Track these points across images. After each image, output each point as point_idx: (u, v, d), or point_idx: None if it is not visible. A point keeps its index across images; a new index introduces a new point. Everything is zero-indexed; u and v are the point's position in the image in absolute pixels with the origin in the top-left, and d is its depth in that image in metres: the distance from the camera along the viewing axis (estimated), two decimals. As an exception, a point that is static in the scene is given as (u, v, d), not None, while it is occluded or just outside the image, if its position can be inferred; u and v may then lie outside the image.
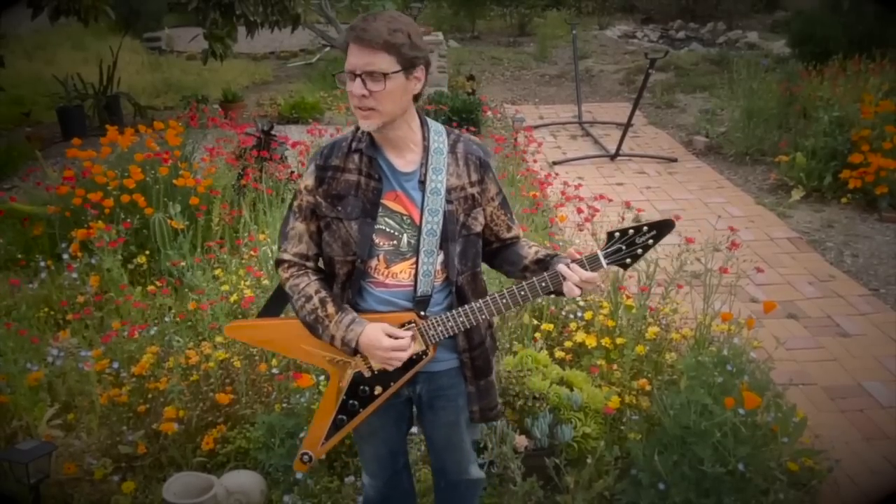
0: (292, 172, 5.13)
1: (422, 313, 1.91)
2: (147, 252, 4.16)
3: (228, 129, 5.72)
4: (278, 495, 2.74)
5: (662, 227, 1.87)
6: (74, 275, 3.83)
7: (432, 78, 8.65)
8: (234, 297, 3.62)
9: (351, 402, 2.00)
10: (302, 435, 2.79)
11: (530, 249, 2.03)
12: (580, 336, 3.30)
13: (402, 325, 1.91)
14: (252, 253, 4.05)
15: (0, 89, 6.82)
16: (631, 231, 1.85)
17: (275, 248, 3.70)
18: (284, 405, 2.97)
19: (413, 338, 1.90)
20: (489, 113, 8.05)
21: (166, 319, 3.52)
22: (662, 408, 2.76)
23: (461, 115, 7.35)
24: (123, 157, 4.76)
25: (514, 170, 5.72)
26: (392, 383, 1.98)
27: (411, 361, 1.93)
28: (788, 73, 7.88)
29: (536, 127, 7.94)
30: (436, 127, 1.96)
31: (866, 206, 5.92)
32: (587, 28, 13.41)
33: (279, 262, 1.99)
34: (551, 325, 3.46)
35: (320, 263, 2.02)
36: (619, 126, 7.74)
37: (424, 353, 1.94)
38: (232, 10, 6.87)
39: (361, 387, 1.98)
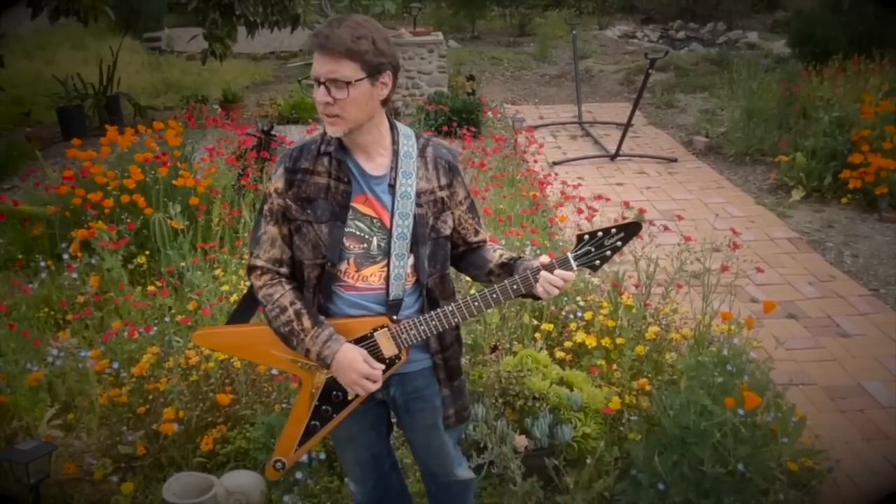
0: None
1: (394, 317, 1.91)
2: (147, 252, 4.16)
3: (228, 129, 5.72)
4: (278, 495, 2.74)
5: (630, 229, 1.90)
6: (74, 275, 3.83)
7: (432, 78, 8.68)
8: (234, 298, 3.62)
9: (324, 407, 1.98)
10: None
11: (495, 253, 2.04)
12: (580, 336, 3.30)
13: (374, 329, 1.91)
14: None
15: (0, 89, 6.82)
16: (599, 233, 1.88)
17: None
18: (284, 405, 2.97)
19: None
20: (489, 113, 8.05)
21: (166, 319, 3.52)
22: (662, 408, 2.75)
23: (461, 115, 7.34)
24: (123, 158, 4.76)
25: (514, 170, 5.72)
26: None
27: (385, 365, 1.93)
28: (788, 73, 7.87)
29: (536, 127, 7.94)
30: (405, 131, 1.96)
31: (866, 206, 5.92)
32: (587, 28, 13.41)
33: (251, 269, 1.96)
34: (551, 325, 3.46)
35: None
36: (619, 126, 7.74)
37: (398, 356, 1.94)
38: (232, 10, 6.88)
39: (335, 392, 1.97)
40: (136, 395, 3.07)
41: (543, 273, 1.86)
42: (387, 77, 1.82)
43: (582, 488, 2.69)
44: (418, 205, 1.90)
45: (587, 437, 2.88)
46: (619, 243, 1.88)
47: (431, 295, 1.98)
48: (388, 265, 1.89)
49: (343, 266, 1.90)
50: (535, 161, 6.21)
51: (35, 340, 3.32)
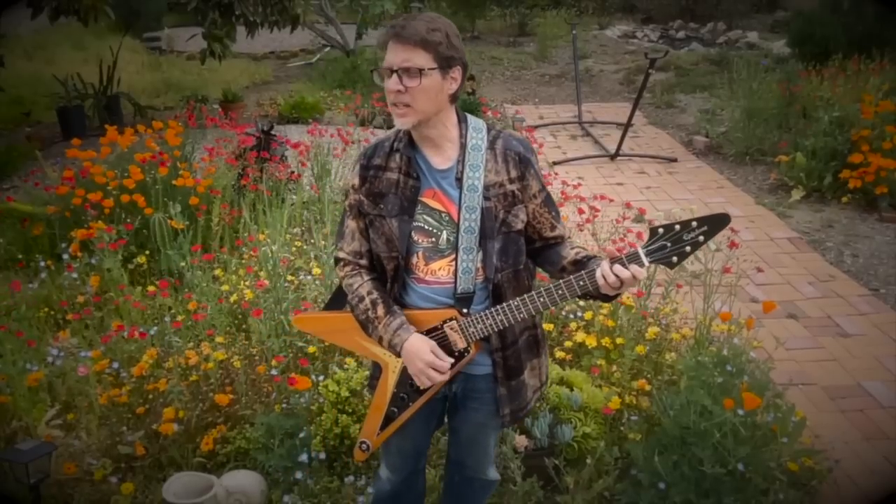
0: (292, 172, 5.13)
1: (463, 311, 1.92)
2: (147, 252, 4.16)
3: (228, 129, 5.72)
4: (278, 495, 2.74)
5: (714, 222, 1.74)
6: (74, 275, 3.83)
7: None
8: (234, 297, 3.62)
9: (401, 394, 2.03)
10: (303, 435, 2.80)
11: (571, 251, 1.99)
12: (580, 336, 3.30)
13: (443, 322, 1.92)
14: (252, 253, 4.05)
15: (0, 89, 6.82)
16: (677, 227, 1.74)
17: (275, 248, 3.71)
18: (284, 406, 2.97)
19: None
20: (489, 113, 8.04)
21: (166, 319, 3.52)
22: (662, 408, 2.76)
23: (461, 115, 7.33)
24: (123, 157, 4.76)
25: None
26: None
27: (455, 358, 1.94)
28: (788, 73, 7.88)
29: (536, 127, 7.94)
30: (475, 124, 1.96)
31: (866, 206, 5.92)
32: (587, 28, 13.41)
33: (336, 261, 2.06)
34: (551, 325, 3.45)
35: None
36: (619, 126, 7.74)
37: (467, 350, 1.94)
38: (231, 10, 6.87)
39: (410, 381, 2.00)
40: (135, 396, 3.07)
41: (615, 268, 1.76)
42: (456, 72, 1.86)
43: (582, 488, 2.69)
44: (486, 198, 1.88)
45: (587, 437, 2.88)
46: (701, 238, 1.73)
47: (500, 291, 1.94)
48: (455, 259, 1.90)
49: (413, 259, 1.94)
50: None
51: (30, 340, 3.31)
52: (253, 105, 8.76)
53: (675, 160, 7.24)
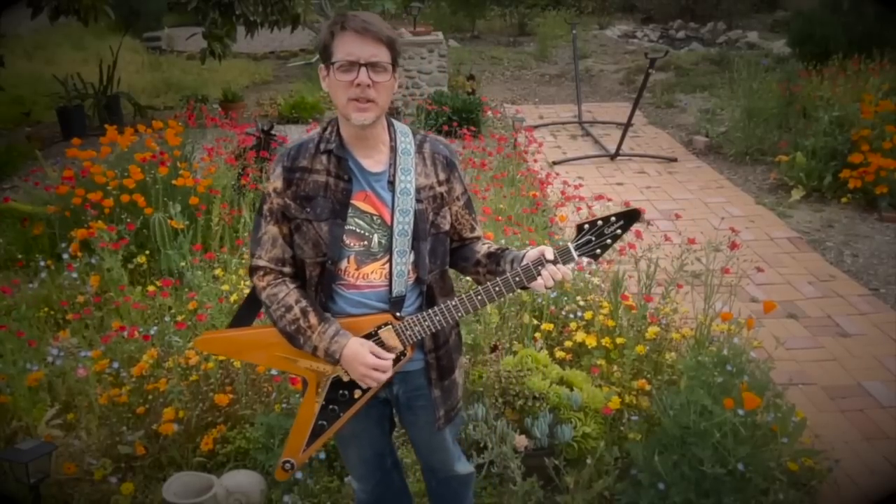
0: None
1: (397, 314, 1.91)
2: (147, 252, 4.16)
3: (228, 128, 5.72)
4: (278, 495, 2.74)
5: (629, 217, 1.89)
6: (74, 275, 3.83)
7: (433, 78, 8.67)
8: (234, 297, 3.62)
9: (331, 406, 1.99)
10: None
11: (483, 245, 2.06)
12: (580, 336, 3.30)
13: (378, 327, 1.90)
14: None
15: (0, 89, 6.82)
16: (599, 222, 1.87)
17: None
18: (284, 406, 2.97)
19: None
20: (489, 113, 8.04)
21: (166, 319, 3.52)
22: (662, 408, 2.75)
23: (461, 114, 7.34)
24: (123, 157, 4.76)
25: (514, 170, 5.72)
26: (370, 386, 1.97)
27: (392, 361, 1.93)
28: (788, 73, 7.89)
29: (536, 127, 7.94)
30: (402, 128, 1.96)
31: (866, 206, 5.92)
32: (587, 28, 13.42)
33: (254, 270, 1.95)
34: (551, 325, 3.46)
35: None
36: (619, 126, 7.75)
37: (403, 353, 1.94)
38: (231, 10, 6.87)
39: (341, 391, 1.97)
40: (135, 396, 3.07)
41: (546, 264, 1.86)
42: (397, 72, 1.87)
43: (582, 488, 2.69)
44: (418, 200, 1.90)
45: (587, 437, 2.88)
46: (618, 231, 1.88)
47: (431, 292, 1.98)
48: (390, 262, 1.89)
49: (343, 264, 1.90)
50: (535, 161, 6.21)
51: (30, 340, 3.31)
52: (253, 105, 8.76)
53: (675, 160, 7.24)
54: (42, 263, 3.93)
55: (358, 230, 1.88)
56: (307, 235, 1.88)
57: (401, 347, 1.92)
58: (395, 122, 1.97)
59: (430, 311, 1.90)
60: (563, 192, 4.77)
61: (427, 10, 13.43)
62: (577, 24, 10.41)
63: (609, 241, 1.89)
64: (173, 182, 4.52)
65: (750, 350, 3.03)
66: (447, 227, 1.99)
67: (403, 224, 1.87)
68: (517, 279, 1.87)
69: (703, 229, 5.32)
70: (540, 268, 1.86)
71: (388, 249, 1.89)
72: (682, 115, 8.86)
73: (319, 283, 1.92)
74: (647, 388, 3.08)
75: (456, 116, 7.30)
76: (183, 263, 3.96)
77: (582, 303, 3.57)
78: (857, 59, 7.49)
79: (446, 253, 2.02)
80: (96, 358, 3.12)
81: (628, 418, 3.00)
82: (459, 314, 1.91)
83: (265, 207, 1.92)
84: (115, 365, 3.14)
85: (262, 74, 10.76)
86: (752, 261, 4.61)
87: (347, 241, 1.88)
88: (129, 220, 4.19)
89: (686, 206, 6.01)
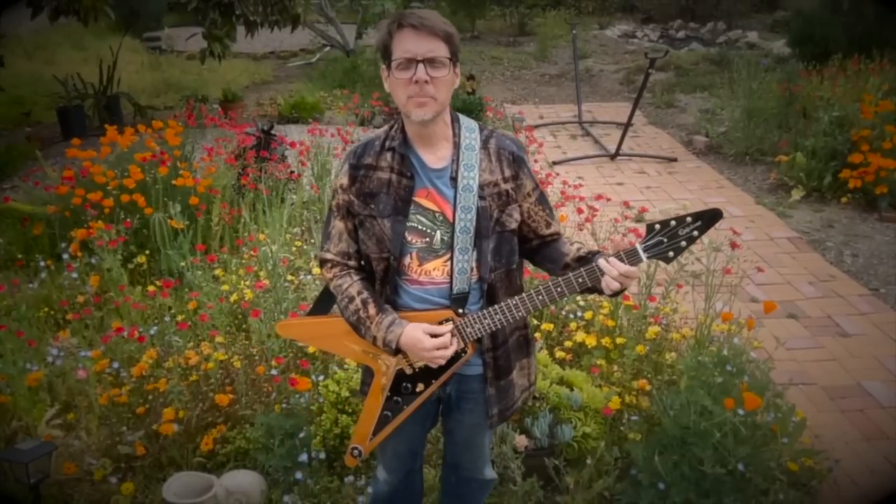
0: (292, 172, 5.13)
1: (459, 311, 1.91)
2: (147, 252, 4.16)
3: (228, 128, 5.72)
4: (278, 495, 2.74)
5: (708, 218, 1.77)
6: (74, 275, 3.83)
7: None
8: (234, 297, 3.62)
9: (395, 398, 2.01)
10: (302, 435, 2.79)
11: (572, 247, 1.99)
12: (580, 336, 3.30)
13: (440, 322, 1.91)
14: (252, 253, 4.05)
15: (0, 89, 6.82)
16: (672, 222, 1.77)
17: (275, 248, 3.71)
18: (284, 406, 2.97)
19: (452, 334, 1.90)
20: (490, 113, 8.04)
21: (166, 319, 3.52)
22: (662, 408, 2.75)
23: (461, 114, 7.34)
24: (123, 157, 4.76)
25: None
26: (433, 380, 1.98)
27: (451, 359, 1.93)
28: (788, 73, 7.89)
29: (536, 126, 7.94)
30: (468, 123, 1.95)
31: (866, 206, 5.92)
32: (587, 28, 13.41)
33: (323, 262, 2.01)
34: (551, 325, 3.46)
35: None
36: (619, 126, 7.74)
37: (464, 350, 1.94)
38: (231, 10, 6.87)
39: (404, 384, 1.99)
40: (135, 396, 3.07)
41: (611, 264, 1.78)
42: (458, 67, 1.86)
43: (582, 488, 2.69)
44: (481, 197, 1.88)
45: (587, 437, 2.88)
46: (695, 233, 1.77)
47: (494, 290, 1.95)
48: (451, 259, 1.89)
49: (406, 260, 1.91)
50: (536, 161, 6.21)
51: (30, 340, 3.31)
52: (253, 105, 8.77)
53: (675, 160, 7.24)
54: (42, 263, 3.93)
55: (420, 227, 1.89)
56: (371, 231, 1.90)
57: (461, 345, 1.92)
58: (461, 116, 1.96)
59: (490, 308, 1.89)
60: (562, 192, 4.76)
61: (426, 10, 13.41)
62: (577, 24, 10.41)
63: (684, 243, 1.78)
64: (173, 182, 4.52)
65: (750, 350, 3.03)
66: (514, 225, 1.94)
67: (465, 221, 1.86)
68: (580, 280, 1.82)
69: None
70: (603, 268, 1.78)
71: (450, 246, 1.88)
72: (682, 115, 8.86)
73: (384, 278, 1.94)
74: (648, 388, 3.08)
75: (456, 116, 7.30)
76: (183, 263, 3.96)
77: (582, 302, 3.57)
78: (857, 59, 7.49)
79: (513, 252, 1.98)
80: (96, 358, 3.12)
81: (628, 418, 3.00)
82: (520, 313, 1.88)
83: (333, 203, 1.97)
84: (115, 365, 3.14)
85: (262, 74, 10.76)
86: (753, 261, 4.61)
87: (410, 238, 1.89)
88: (128, 219, 4.19)
89: (686, 206, 6.01)
